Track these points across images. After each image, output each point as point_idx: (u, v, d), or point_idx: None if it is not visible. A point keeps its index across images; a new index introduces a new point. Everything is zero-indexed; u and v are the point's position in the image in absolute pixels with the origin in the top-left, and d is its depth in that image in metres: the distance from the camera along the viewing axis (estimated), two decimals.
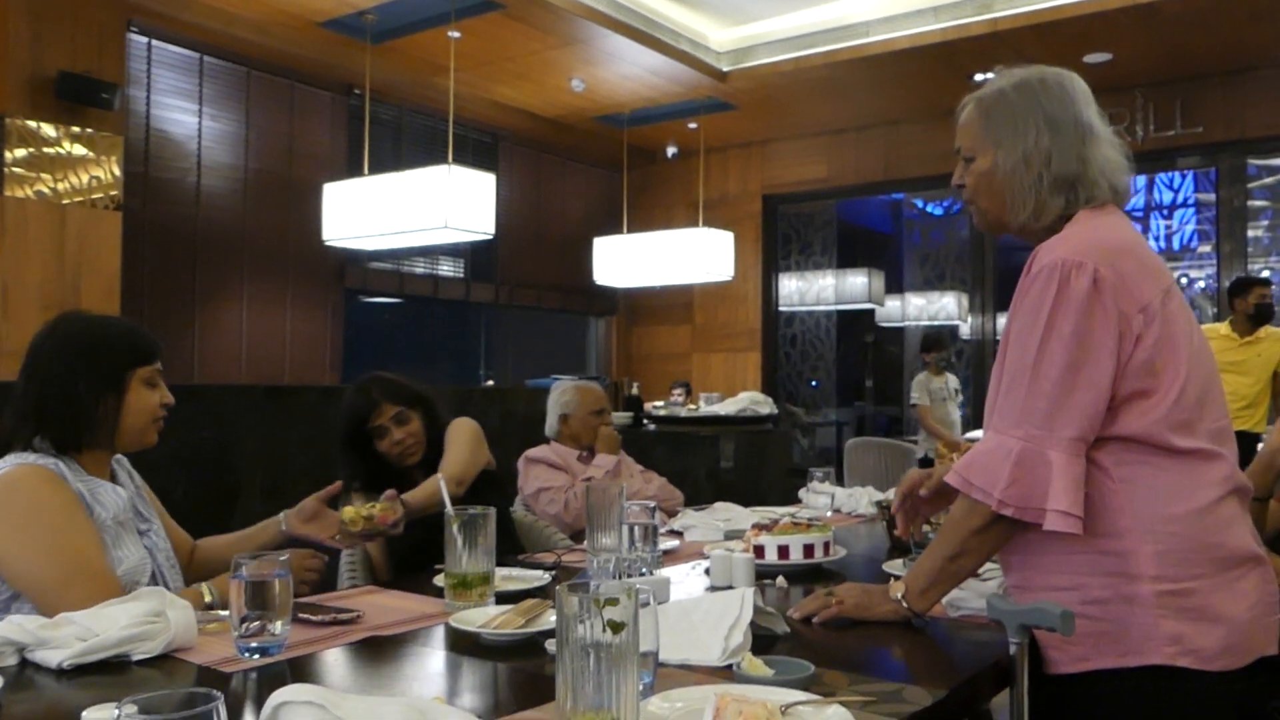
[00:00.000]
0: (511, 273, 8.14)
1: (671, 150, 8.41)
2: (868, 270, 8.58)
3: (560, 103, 7.30)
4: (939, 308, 8.74)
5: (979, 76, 6.42)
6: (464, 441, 2.57)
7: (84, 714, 1.01)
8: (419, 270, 7.71)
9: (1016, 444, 1.45)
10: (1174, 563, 1.43)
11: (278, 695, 0.99)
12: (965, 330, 8.17)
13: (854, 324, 9.42)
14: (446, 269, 7.91)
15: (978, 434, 4.31)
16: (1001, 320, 7.85)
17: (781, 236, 8.61)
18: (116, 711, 0.81)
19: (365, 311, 7.65)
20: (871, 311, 9.19)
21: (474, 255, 7.90)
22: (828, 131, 8.01)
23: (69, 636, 1.42)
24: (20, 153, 4.98)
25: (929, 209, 9.21)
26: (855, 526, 2.91)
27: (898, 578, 2.06)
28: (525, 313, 8.51)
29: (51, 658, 1.40)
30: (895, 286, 9.08)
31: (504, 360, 8.50)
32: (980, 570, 1.79)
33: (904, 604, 1.62)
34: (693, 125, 7.77)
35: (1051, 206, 1.58)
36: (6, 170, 4.93)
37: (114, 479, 1.87)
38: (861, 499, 3.15)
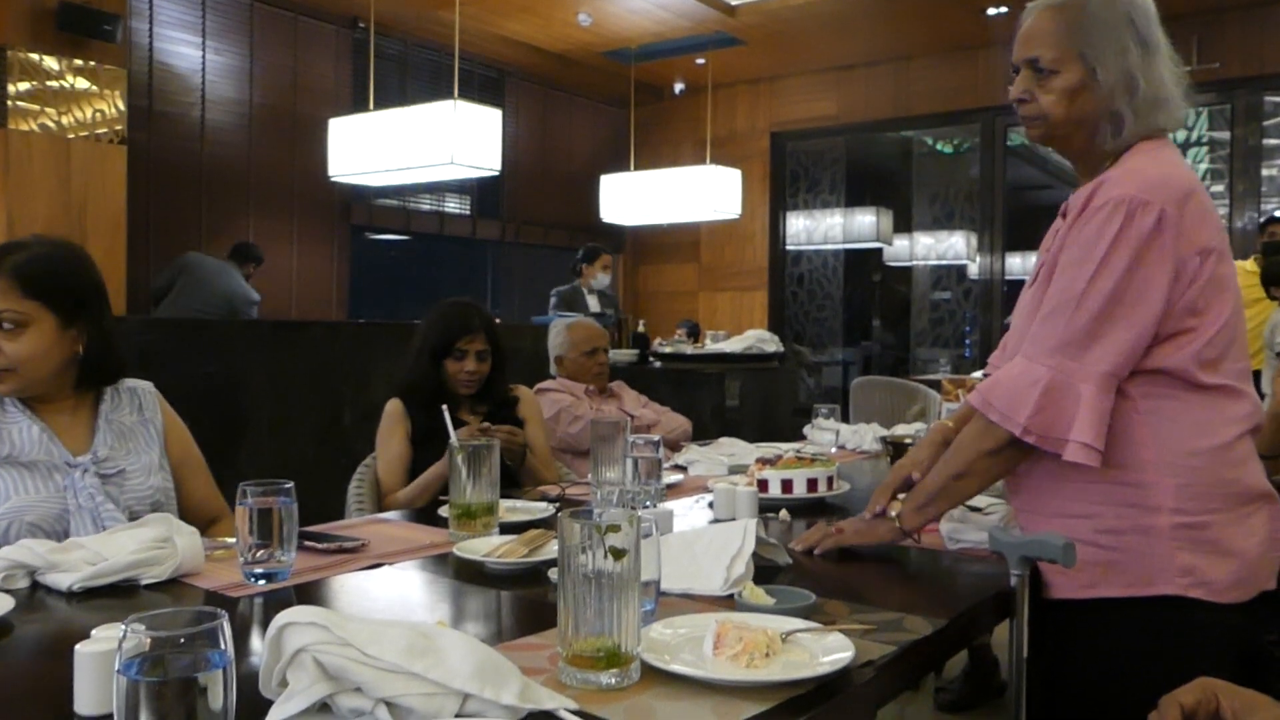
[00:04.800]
0: (518, 210, 8.10)
1: (679, 86, 8.31)
2: (876, 209, 8.51)
3: (567, 37, 7.20)
4: (947, 247, 8.69)
5: (992, 10, 6.31)
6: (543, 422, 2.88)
7: (93, 631, 1.03)
8: (425, 207, 7.68)
9: (1046, 372, 1.44)
10: (1192, 496, 1.44)
11: (282, 616, 1.00)
12: (973, 270, 8.13)
13: (862, 263, 9.36)
14: (453, 206, 7.87)
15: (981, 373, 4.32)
16: (1011, 260, 7.80)
17: (790, 174, 8.54)
18: (124, 629, 0.82)
19: (371, 248, 7.63)
20: (880, 250, 9.14)
21: (480, 192, 7.86)
22: (837, 67, 7.90)
23: (78, 560, 1.45)
24: (23, 86, 4.93)
25: (938, 147, 9.10)
26: (860, 462, 2.92)
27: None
28: (531, 250, 8.48)
29: (61, 580, 1.43)
30: (904, 225, 9.01)
31: (510, 297, 8.48)
32: (983, 505, 1.81)
33: (898, 522, 1.63)
34: (700, 61, 7.67)
35: (1135, 131, 1.51)
36: (10, 104, 4.89)
37: (95, 411, 1.84)
38: (866, 435, 3.15)
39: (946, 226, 8.75)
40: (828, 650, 1.16)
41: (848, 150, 8.59)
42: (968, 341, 8.34)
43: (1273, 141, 6.73)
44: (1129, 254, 1.42)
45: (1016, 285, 7.81)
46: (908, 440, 2.52)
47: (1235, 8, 6.38)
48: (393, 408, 2.61)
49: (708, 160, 7.57)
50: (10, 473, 1.69)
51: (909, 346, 8.86)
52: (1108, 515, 1.47)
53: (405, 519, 2.12)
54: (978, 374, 3.08)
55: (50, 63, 5.01)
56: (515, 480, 2.56)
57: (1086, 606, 1.50)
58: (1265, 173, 6.67)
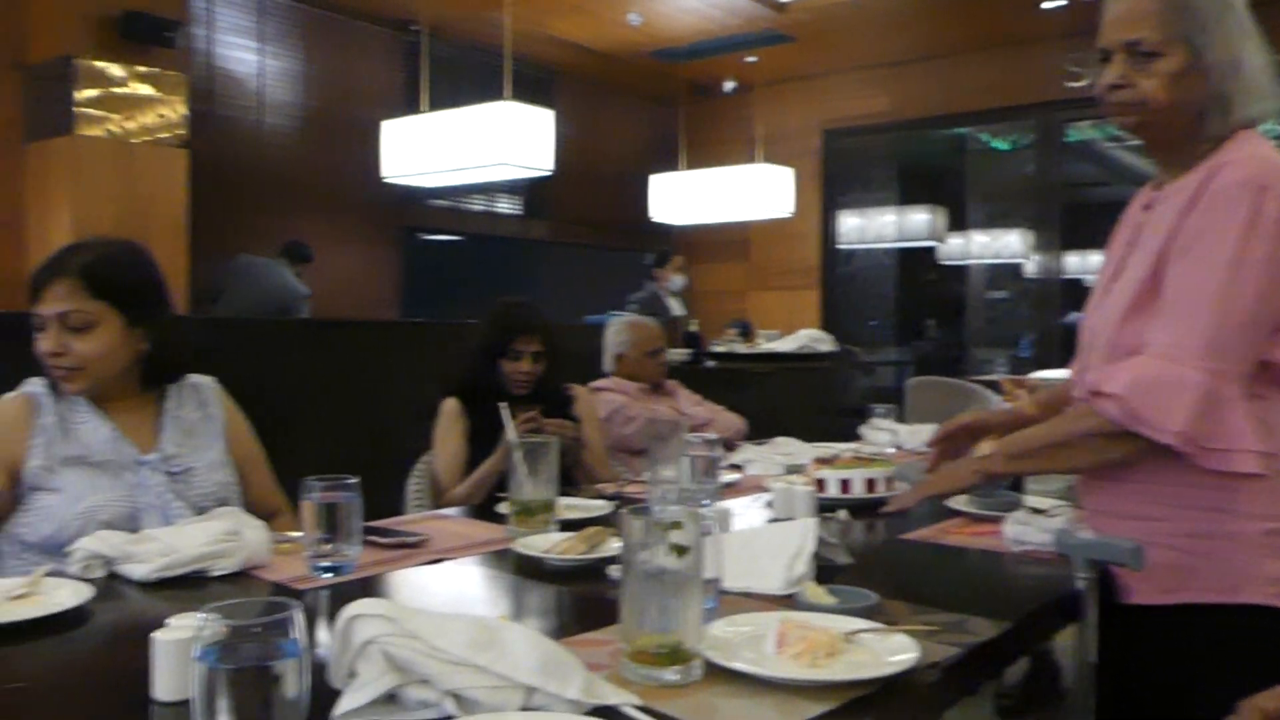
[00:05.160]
0: (568, 210, 8.12)
1: (729, 85, 8.28)
2: (930, 206, 8.41)
3: (617, 37, 7.21)
4: (1003, 245, 8.57)
5: (1046, 4, 6.22)
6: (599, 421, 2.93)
7: (168, 620, 1.05)
8: (476, 208, 7.73)
9: (1200, 376, 1.34)
10: None
11: (351, 608, 1.02)
12: (1030, 268, 8.00)
13: (915, 261, 9.26)
14: (504, 206, 7.92)
15: (1045, 374, 4.25)
16: (1069, 258, 7.66)
17: (841, 172, 8.47)
18: (201, 618, 0.84)
19: (424, 249, 7.71)
20: (933, 249, 9.04)
21: (531, 192, 7.90)
22: (889, 64, 7.81)
23: (152, 552, 1.49)
24: (89, 93, 5.05)
25: (993, 144, 8.98)
26: (917, 463, 2.89)
27: (959, 512, 2.07)
28: (582, 250, 8.50)
29: (136, 571, 1.47)
30: (958, 223, 8.90)
31: (561, 297, 8.51)
32: (1047, 507, 1.78)
33: (984, 463, 1.53)
34: (750, 59, 7.63)
35: (1237, 117, 1.44)
36: (77, 111, 5.01)
37: (160, 408, 1.87)
38: (924, 435, 3.12)
39: (1002, 224, 8.63)
40: (892, 651, 1.15)
41: (900, 147, 8.51)
42: (1024, 341, 8.22)
43: None
44: (1267, 243, 1.34)
45: (1073, 284, 7.68)
46: None
47: None
48: (450, 406, 2.64)
49: (758, 159, 7.53)
50: (83, 473, 1.73)
51: (964, 346, 8.76)
52: (1191, 519, 1.41)
53: (464, 515, 2.14)
54: (1038, 374, 3.03)
55: (115, 70, 5.13)
56: (572, 479, 2.57)
57: (1162, 612, 1.44)
58: None
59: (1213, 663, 1.41)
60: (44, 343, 1.74)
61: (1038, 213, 7.68)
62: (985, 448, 1.52)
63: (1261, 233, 1.35)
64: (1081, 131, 8.01)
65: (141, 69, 5.21)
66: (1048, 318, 7.54)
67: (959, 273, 9.34)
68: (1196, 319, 1.36)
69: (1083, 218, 7.84)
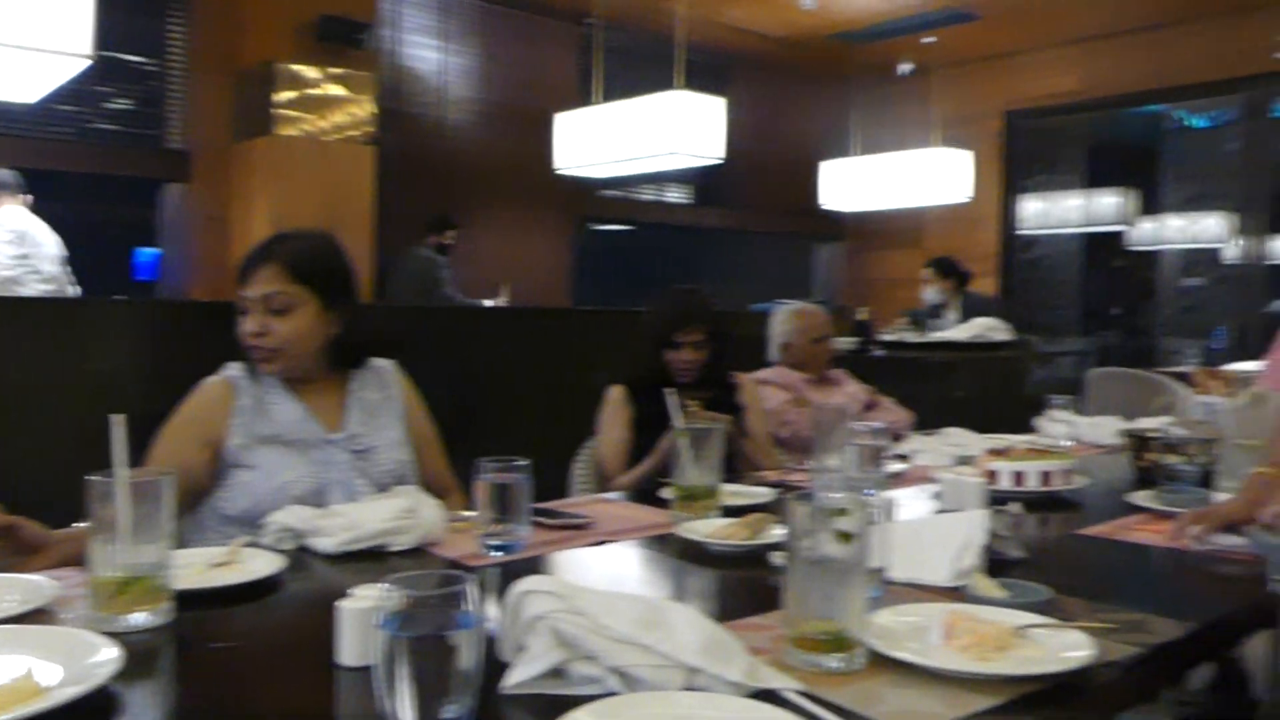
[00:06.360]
0: (739, 197, 8.10)
1: (906, 67, 8.05)
2: (1120, 189, 7.96)
3: (791, 21, 7.13)
4: (1200, 229, 8.03)
5: None
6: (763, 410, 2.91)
7: (352, 590, 1.12)
8: (647, 197, 7.81)
9: None
10: None
11: (522, 583, 1.06)
12: (1230, 254, 7.47)
13: (1102, 247, 8.79)
14: (674, 195, 7.97)
15: (1242, 366, 3.97)
16: (1275, 243, 7.12)
17: (1024, 155, 8.11)
18: (383, 589, 0.89)
19: (595, 238, 7.85)
20: (1120, 234, 8.55)
21: (701, 181, 7.92)
22: (1082, 39, 7.41)
23: (338, 526, 1.58)
24: (287, 95, 5.38)
25: (1191, 121, 8.42)
26: (1096, 457, 2.76)
27: (1143, 508, 1.96)
28: (751, 237, 8.47)
29: (323, 544, 1.56)
30: (1151, 207, 8.39)
31: (729, 285, 8.51)
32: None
33: None
34: (929, 40, 7.41)
35: None
36: (275, 112, 5.35)
37: (346, 390, 1.98)
38: (1105, 428, 2.97)
39: (1200, 207, 8.09)
40: (1066, 647, 1.11)
41: (1089, 128, 8.08)
42: (1219, 331, 7.69)
43: None
44: None
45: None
46: (1152, 434, 2.35)
47: None
48: (616, 394, 2.68)
49: (934, 142, 7.31)
50: (277, 450, 1.85)
51: (1152, 336, 8.27)
52: None
53: (628, 499, 2.18)
54: (1234, 366, 2.83)
55: (310, 73, 5.45)
56: (733, 467, 2.57)
57: None
58: None
59: None
60: (248, 324, 1.87)
61: (1242, 194, 7.15)
62: None
63: None
64: None
65: (334, 70, 5.51)
66: (1249, 306, 7.02)
67: (1150, 259, 8.82)
68: None
69: None
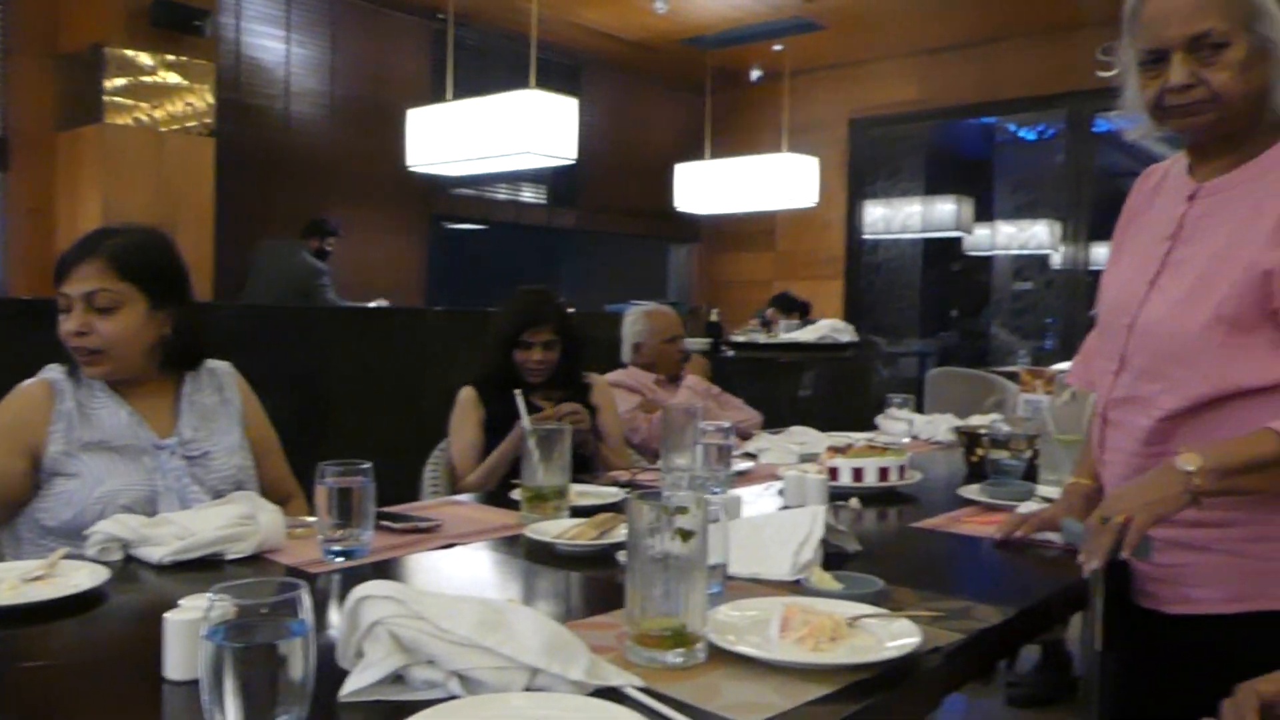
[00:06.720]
0: (594, 198, 8.13)
1: (756, 74, 8.24)
2: (957, 197, 8.36)
3: (644, 25, 7.19)
4: (1030, 236, 8.51)
5: None
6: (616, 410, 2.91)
7: (181, 601, 1.08)
8: (501, 197, 7.76)
9: None
10: None
11: (359, 589, 1.04)
12: (1056, 260, 7.94)
13: (941, 252, 9.22)
14: (529, 195, 7.94)
15: (1065, 365, 4.22)
16: (1096, 250, 7.59)
17: (868, 162, 8.42)
18: (210, 598, 0.86)
19: (449, 237, 7.75)
20: (959, 240, 8.98)
21: (556, 181, 7.91)
22: (921, 51, 7.74)
23: (168, 535, 1.51)
24: (119, 81, 5.11)
25: (1021, 134, 8.90)
26: (933, 453, 2.89)
27: (971, 501, 2.07)
28: (606, 239, 8.51)
29: (152, 554, 1.49)
30: (985, 214, 8.84)
31: (584, 286, 8.55)
32: (1058, 496, 1.77)
33: (1195, 479, 1.30)
34: (778, 47, 7.60)
35: None
36: (107, 99, 5.07)
37: (178, 393, 1.89)
38: (940, 426, 3.12)
39: (1029, 215, 8.57)
40: (894, 635, 1.16)
41: (928, 137, 8.44)
42: (1049, 333, 8.17)
43: None
44: None
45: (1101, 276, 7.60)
46: (982, 431, 2.48)
47: None
48: (466, 395, 2.66)
49: (785, 148, 7.51)
50: (103, 457, 1.75)
51: (988, 337, 8.72)
52: (1253, 522, 1.36)
53: (478, 501, 2.16)
54: (1057, 366, 3.01)
55: (144, 59, 5.18)
56: (588, 466, 2.59)
57: (1234, 621, 1.37)
58: None
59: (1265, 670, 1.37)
60: (68, 323, 1.77)
61: (1066, 203, 7.60)
62: (1189, 459, 1.31)
63: None
64: (1111, 120, 7.92)
65: (170, 58, 5.26)
66: (1074, 310, 7.48)
67: (985, 264, 9.29)
68: None
69: (1113, 208, 7.74)
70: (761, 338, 6.21)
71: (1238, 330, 1.35)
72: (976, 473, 2.40)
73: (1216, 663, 1.26)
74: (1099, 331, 1.60)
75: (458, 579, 1.56)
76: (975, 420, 3.00)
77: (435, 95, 6.44)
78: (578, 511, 1.87)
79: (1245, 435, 1.33)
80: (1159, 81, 1.40)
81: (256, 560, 1.54)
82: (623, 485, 2.22)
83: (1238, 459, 1.30)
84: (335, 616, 1.27)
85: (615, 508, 1.91)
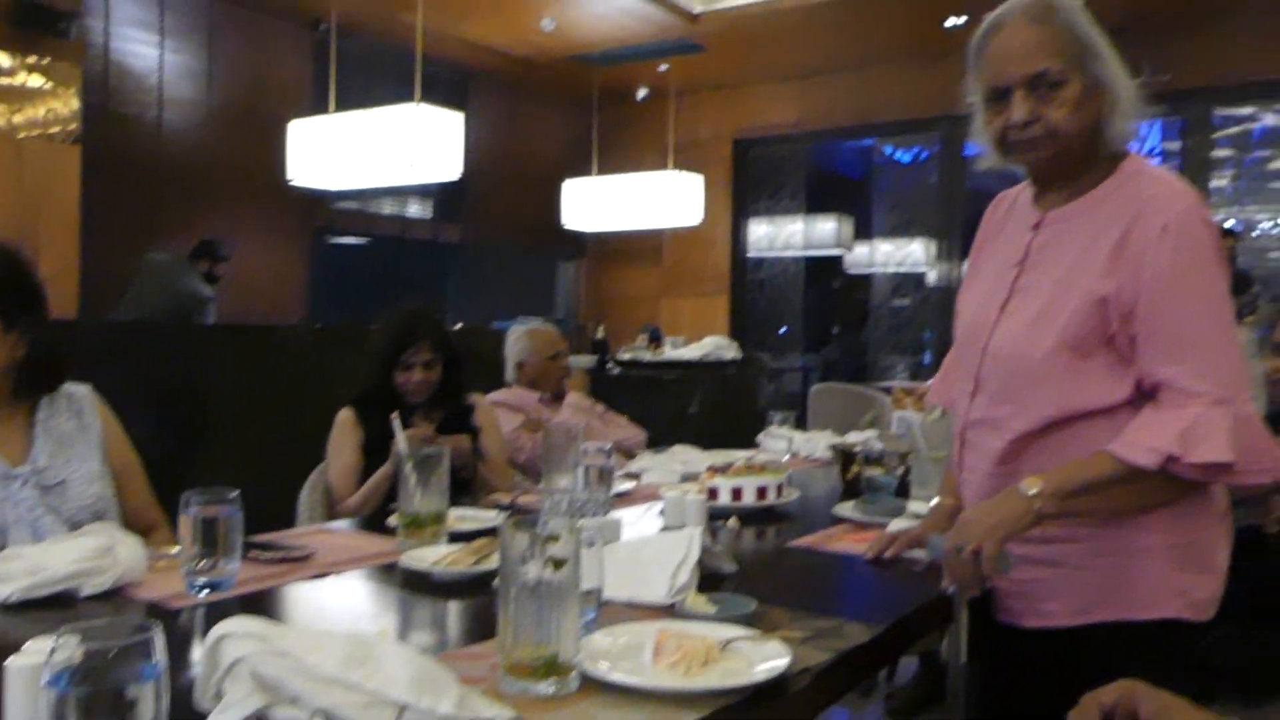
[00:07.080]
0: (480, 214, 8.07)
1: (642, 92, 8.32)
2: (837, 216, 8.58)
3: (530, 41, 7.19)
4: (906, 254, 8.78)
5: (950, 21, 6.39)
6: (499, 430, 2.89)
7: (26, 645, 1.02)
8: (386, 211, 7.64)
9: (1251, 408, 1.37)
10: (1183, 514, 1.41)
11: (220, 627, 1.01)
12: (932, 277, 8.22)
13: (822, 270, 9.44)
14: (415, 209, 7.84)
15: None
16: (968, 268, 7.87)
17: (751, 181, 8.58)
18: (54, 641, 0.82)
19: (332, 251, 7.58)
20: (840, 258, 9.21)
21: (442, 196, 7.83)
22: (799, 75, 7.94)
23: (18, 571, 1.43)
24: None
25: (897, 156, 9.19)
26: (811, 470, 2.95)
27: (844, 519, 2.12)
28: (493, 254, 8.45)
29: None
30: (864, 232, 9.10)
31: (471, 302, 8.46)
32: (928, 513, 1.83)
33: (1036, 502, 1.36)
34: (663, 67, 7.69)
35: (1123, 136, 1.47)
36: None
37: (32, 419, 1.81)
38: (819, 443, 3.18)
39: (906, 234, 8.84)
40: (765, 657, 1.17)
41: (809, 157, 8.64)
42: (926, 349, 8.44)
43: (1221, 153, 6.86)
44: (1221, 268, 1.40)
45: None
46: (856, 448, 2.54)
47: (1187, 18, 6.48)
48: (344, 417, 2.60)
49: (671, 166, 7.58)
50: None
51: (868, 353, 8.94)
52: (1101, 536, 1.43)
53: (354, 528, 2.12)
54: (929, 382, 3.10)
55: (2, 60, 4.94)
56: (469, 488, 2.56)
57: (1081, 633, 1.44)
58: (1214, 184, 6.79)
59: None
60: None
61: (940, 223, 7.88)
62: (1031, 483, 1.38)
63: (1217, 260, 1.40)
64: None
65: (31, 59, 5.03)
66: (948, 326, 7.73)
67: (864, 281, 9.53)
68: (1220, 354, 1.37)
69: None
70: (647, 355, 6.24)
71: (1079, 355, 1.43)
72: (852, 490, 2.45)
73: (1067, 674, 1.33)
74: (956, 352, 1.67)
75: (330, 610, 1.52)
76: (852, 437, 3.07)
77: (318, 106, 6.30)
78: (456, 537, 1.84)
79: (1084, 458, 1.40)
80: (1002, 118, 1.48)
81: (114, 596, 1.47)
82: (504, 508, 2.20)
83: (1076, 481, 1.38)
84: (199, 654, 1.23)
85: (494, 532, 1.89)
